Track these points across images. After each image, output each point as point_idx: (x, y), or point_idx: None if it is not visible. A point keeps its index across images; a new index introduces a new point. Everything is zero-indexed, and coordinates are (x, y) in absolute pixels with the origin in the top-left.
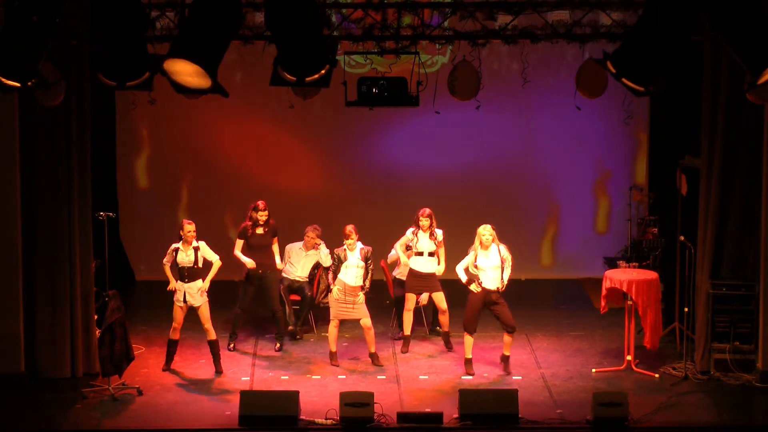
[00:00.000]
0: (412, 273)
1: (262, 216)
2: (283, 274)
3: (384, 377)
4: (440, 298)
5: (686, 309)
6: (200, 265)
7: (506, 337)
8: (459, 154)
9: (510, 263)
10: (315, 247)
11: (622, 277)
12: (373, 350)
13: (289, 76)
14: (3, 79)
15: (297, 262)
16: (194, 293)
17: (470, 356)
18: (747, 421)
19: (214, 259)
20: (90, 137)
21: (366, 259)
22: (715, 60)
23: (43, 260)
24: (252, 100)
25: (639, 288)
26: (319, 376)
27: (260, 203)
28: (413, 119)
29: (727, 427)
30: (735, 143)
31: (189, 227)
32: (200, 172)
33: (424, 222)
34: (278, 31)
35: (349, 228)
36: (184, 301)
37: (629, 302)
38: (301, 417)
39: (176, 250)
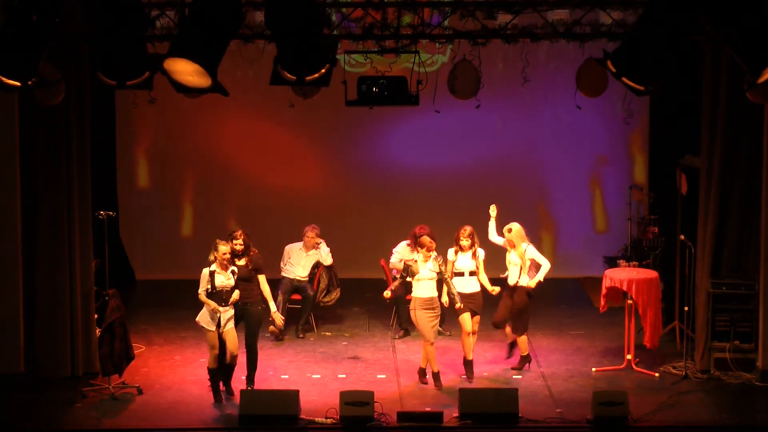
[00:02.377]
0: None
1: (236, 245)
2: (284, 274)
3: (384, 376)
4: (476, 321)
5: (686, 308)
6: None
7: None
8: (459, 153)
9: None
10: (315, 246)
11: (622, 276)
12: (425, 366)
13: (289, 75)
14: (3, 79)
15: (297, 263)
16: (229, 317)
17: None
18: (747, 421)
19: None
20: (90, 137)
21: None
22: (715, 60)
23: (43, 260)
24: (252, 100)
25: (639, 287)
26: (319, 375)
27: (236, 232)
28: (413, 118)
29: (727, 427)
30: (735, 142)
31: (225, 249)
32: (200, 171)
33: (465, 242)
34: (278, 30)
35: (429, 239)
36: (219, 326)
37: (629, 301)
38: (301, 416)
39: (212, 273)
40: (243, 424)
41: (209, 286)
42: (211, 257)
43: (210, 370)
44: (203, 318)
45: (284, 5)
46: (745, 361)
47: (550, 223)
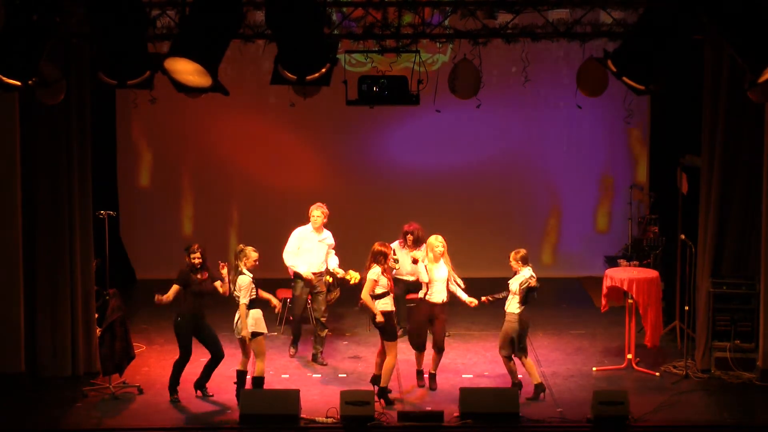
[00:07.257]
0: None
1: (194, 258)
2: (297, 270)
3: None
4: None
5: (687, 307)
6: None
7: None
8: (459, 152)
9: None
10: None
11: (622, 275)
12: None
13: (289, 74)
14: (4, 78)
15: (311, 251)
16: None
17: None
18: (747, 420)
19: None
20: (90, 136)
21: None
22: (715, 59)
23: (43, 260)
24: (252, 99)
25: (640, 287)
26: (319, 375)
27: (193, 245)
28: (414, 118)
29: (728, 426)
30: (735, 142)
31: (255, 255)
32: (200, 170)
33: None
34: (279, 30)
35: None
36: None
37: (630, 301)
38: (302, 416)
39: (253, 286)
40: (243, 424)
41: (254, 295)
42: (241, 265)
43: (240, 372)
44: (258, 324)
45: (284, 5)
46: (745, 360)
47: (551, 222)
